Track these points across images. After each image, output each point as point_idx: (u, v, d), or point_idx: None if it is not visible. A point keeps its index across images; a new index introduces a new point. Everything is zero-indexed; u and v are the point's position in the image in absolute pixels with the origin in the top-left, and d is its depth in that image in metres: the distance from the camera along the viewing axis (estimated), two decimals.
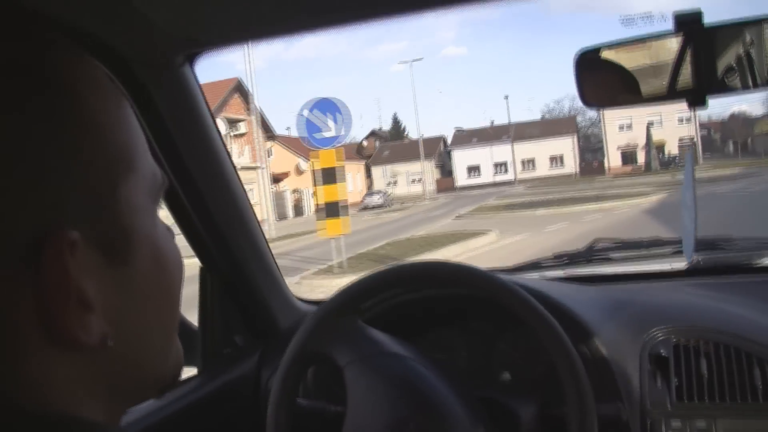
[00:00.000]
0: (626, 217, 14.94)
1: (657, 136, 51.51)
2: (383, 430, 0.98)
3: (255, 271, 1.48)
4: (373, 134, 70.99)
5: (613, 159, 55.34)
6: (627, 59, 1.08)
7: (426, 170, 57.00)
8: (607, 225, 12.92)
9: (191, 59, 1.16)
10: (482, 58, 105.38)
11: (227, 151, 1.34)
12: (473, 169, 59.14)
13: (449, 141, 62.66)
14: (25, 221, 0.39)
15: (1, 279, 0.38)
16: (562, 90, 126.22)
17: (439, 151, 62.36)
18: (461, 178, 59.13)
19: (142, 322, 0.47)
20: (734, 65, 1.01)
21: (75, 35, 0.91)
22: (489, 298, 1.07)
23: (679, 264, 1.59)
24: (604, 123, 56.08)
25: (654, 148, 49.17)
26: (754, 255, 1.57)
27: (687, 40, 1.00)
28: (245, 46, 1.67)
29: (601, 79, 1.12)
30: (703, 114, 55.07)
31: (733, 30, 1.01)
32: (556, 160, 57.68)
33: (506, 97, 67.94)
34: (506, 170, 58.44)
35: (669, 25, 1.00)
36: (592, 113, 60.25)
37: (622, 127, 54.33)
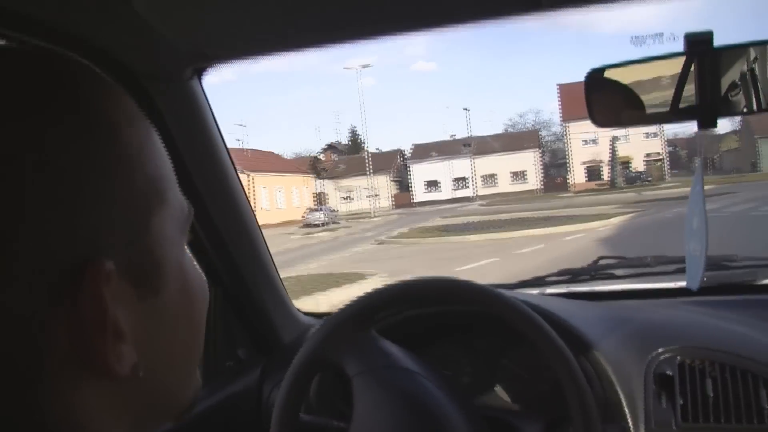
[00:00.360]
0: (574, 248, 11.66)
1: (623, 151, 50.81)
2: None
3: (259, 284, 1.48)
4: (330, 148, 68.54)
5: (577, 174, 54.08)
6: (637, 79, 1.09)
7: (383, 185, 56.47)
8: (546, 262, 9.61)
9: (199, 73, 1.20)
10: (451, 73, 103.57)
11: (234, 165, 1.35)
12: (432, 184, 57.52)
13: (408, 155, 59.91)
14: (63, 251, 0.39)
15: (37, 308, 0.39)
16: (525, 104, 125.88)
17: (396, 165, 60.63)
18: (419, 193, 57.39)
19: (168, 351, 0.47)
20: (743, 87, 1.03)
21: (83, 48, 0.93)
22: (494, 314, 1.06)
23: (684, 282, 1.46)
24: (568, 137, 54.26)
25: (619, 163, 47.25)
26: (759, 274, 1.55)
27: (697, 61, 1.01)
28: (253, 60, 1.20)
29: (611, 99, 1.12)
30: (669, 131, 54.73)
31: (743, 52, 1.03)
32: (518, 175, 56.16)
33: (467, 110, 64.75)
34: (466, 186, 56.88)
35: (679, 45, 1.01)
36: (557, 127, 59.24)
37: (587, 142, 53.07)
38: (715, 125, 1.03)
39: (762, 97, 1.02)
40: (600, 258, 1.76)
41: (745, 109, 1.04)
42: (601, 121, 1.11)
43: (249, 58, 1.13)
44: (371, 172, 49.75)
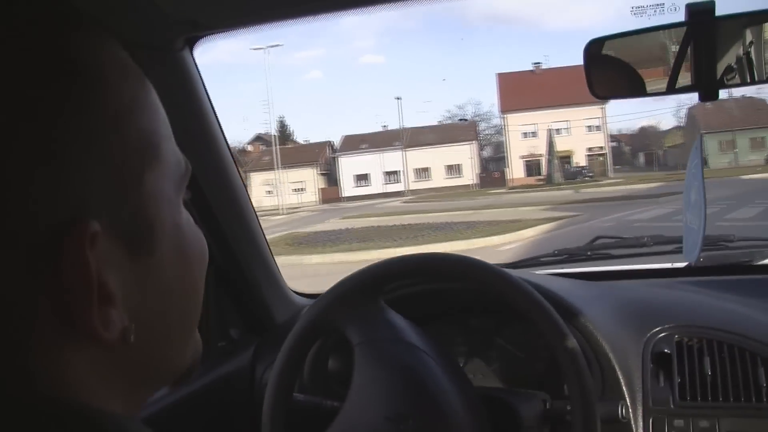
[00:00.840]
0: None
1: (564, 145, 48.28)
2: (382, 422, 0.97)
3: (252, 263, 1.47)
4: (258, 139, 64.18)
5: (516, 169, 51.30)
6: (637, 50, 1.09)
7: (309, 178, 53.49)
8: None
9: (191, 43, 1.18)
10: (399, 65, 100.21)
11: (226, 140, 1.33)
12: (362, 178, 53.70)
13: (338, 146, 55.92)
14: (46, 213, 0.37)
15: (20, 272, 0.37)
16: (464, 95, 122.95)
17: (325, 157, 56.45)
18: (348, 187, 53.40)
19: (164, 314, 0.45)
20: (745, 57, 1.02)
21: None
22: (496, 292, 1.06)
23: (681, 262, 1.57)
24: (506, 129, 51.04)
25: (557, 158, 43.56)
26: (756, 254, 1.55)
27: (698, 31, 1.00)
28: (245, 30, 1.18)
29: (611, 70, 1.12)
30: (613, 126, 53.32)
31: (745, 22, 1.02)
32: (454, 169, 52.86)
33: (398, 99, 60.19)
34: (398, 180, 53.35)
35: (680, 15, 1.01)
36: (497, 120, 55.52)
37: (527, 135, 50.66)
38: (716, 97, 1.01)
39: (764, 67, 1.00)
40: (597, 238, 1.74)
41: (748, 80, 1.02)
42: (600, 93, 1.11)
43: (241, 28, 1.12)
44: (279, 164, 45.90)
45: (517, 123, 50.16)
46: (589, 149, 50.41)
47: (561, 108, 48.52)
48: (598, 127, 50.46)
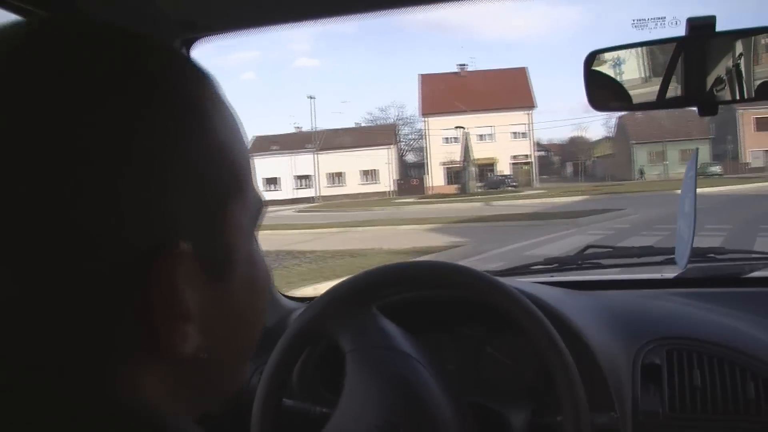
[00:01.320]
0: None
1: (488, 152, 45.96)
2: (373, 430, 0.97)
3: None
4: None
5: (436, 176, 48.86)
6: (637, 63, 1.09)
7: None
8: None
9: (188, 45, 1.17)
10: (334, 70, 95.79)
11: None
12: (271, 182, 49.94)
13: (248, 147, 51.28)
14: (142, 234, 0.40)
15: (112, 288, 0.40)
16: (388, 97, 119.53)
17: None
18: None
19: (229, 338, 0.48)
20: (744, 74, 1.02)
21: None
22: (490, 301, 1.07)
23: (670, 273, 1.56)
24: (427, 134, 47.53)
25: (474, 165, 39.62)
26: (745, 267, 1.56)
27: (698, 46, 1.01)
28: (243, 33, 1.21)
29: (610, 81, 1.11)
30: (544, 135, 51.04)
31: (744, 38, 1.02)
32: (370, 174, 49.90)
33: (311, 98, 55.84)
34: (310, 184, 50.40)
35: (681, 29, 1.02)
36: (420, 124, 51.77)
37: (448, 140, 47.74)
38: (715, 112, 1.02)
39: (764, 84, 1.00)
40: (587, 247, 1.74)
41: (746, 95, 1.01)
42: (599, 104, 1.11)
43: (239, 30, 1.12)
44: None
45: (439, 127, 47.48)
46: (514, 157, 48.30)
47: (486, 112, 45.80)
48: (524, 134, 48.43)
